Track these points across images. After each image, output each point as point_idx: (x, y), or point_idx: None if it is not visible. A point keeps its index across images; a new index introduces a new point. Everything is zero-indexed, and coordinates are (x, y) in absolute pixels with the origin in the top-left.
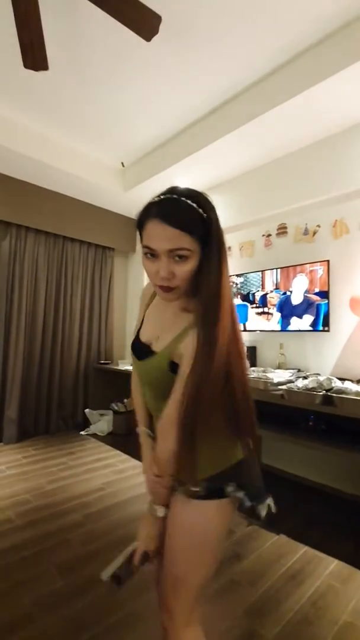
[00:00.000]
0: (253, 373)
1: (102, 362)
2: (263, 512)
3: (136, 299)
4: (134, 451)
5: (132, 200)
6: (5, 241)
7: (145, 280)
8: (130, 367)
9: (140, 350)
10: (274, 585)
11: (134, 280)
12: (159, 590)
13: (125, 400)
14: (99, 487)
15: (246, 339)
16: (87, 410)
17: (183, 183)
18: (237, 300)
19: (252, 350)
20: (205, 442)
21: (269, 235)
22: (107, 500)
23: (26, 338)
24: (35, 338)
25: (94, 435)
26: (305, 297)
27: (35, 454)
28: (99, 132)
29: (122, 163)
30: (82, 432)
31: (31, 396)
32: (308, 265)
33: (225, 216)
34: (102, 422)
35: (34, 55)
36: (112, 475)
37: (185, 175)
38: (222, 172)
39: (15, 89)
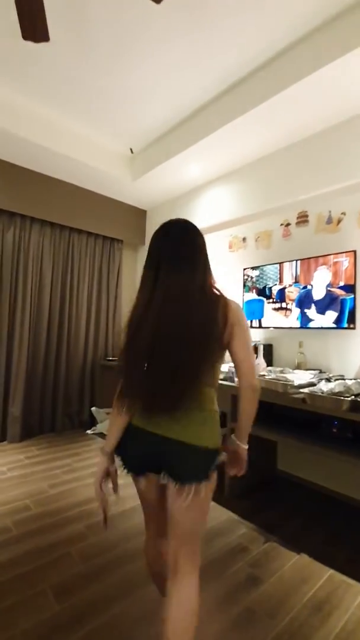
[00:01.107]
0: (270, 373)
1: (110, 358)
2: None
3: None
4: None
5: (141, 190)
6: (9, 232)
7: None
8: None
9: None
10: (296, 618)
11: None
12: (150, 558)
13: None
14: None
15: (262, 336)
16: (93, 409)
17: (194, 170)
18: (252, 295)
19: (268, 348)
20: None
21: (288, 224)
22: (113, 508)
23: (31, 333)
24: (40, 333)
25: (101, 435)
26: (328, 291)
27: (38, 454)
28: (106, 115)
29: (131, 149)
30: (89, 431)
31: (36, 393)
32: (332, 256)
33: (239, 205)
34: (108, 421)
35: (33, 24)
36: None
37: (197, 162)
38: (237, 157)
39: (17, 70)
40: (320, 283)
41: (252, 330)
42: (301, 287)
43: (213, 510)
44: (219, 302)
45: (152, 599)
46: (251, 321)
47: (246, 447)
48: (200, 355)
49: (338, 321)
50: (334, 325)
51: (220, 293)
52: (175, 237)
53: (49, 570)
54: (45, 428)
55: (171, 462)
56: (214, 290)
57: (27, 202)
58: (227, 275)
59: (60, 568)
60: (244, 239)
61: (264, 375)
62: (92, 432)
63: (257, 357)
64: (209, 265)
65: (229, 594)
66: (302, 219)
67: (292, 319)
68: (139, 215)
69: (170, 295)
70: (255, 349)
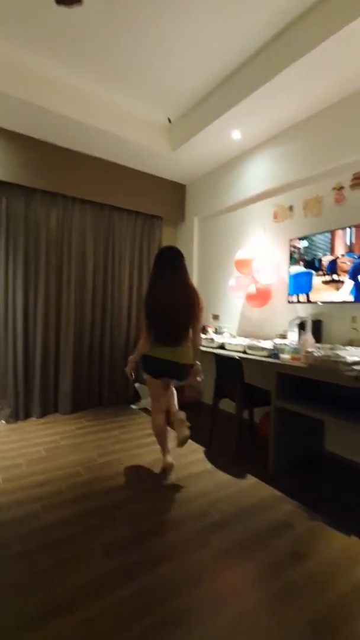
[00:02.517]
0: (318, 351)
1: None
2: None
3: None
4: None
5: (180, 162)
6: (53, 213)
7: (196, 249)
8: None
9: None
10: (344, 596)
11: (184, 250)
12: (156, 425)
13: None
14: (148, 463)
15: (309, 312)
16: (137, 384)
17: (236, 136)
18: (299, 267)
19: (317, 324)
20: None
21: (341, 188)
22: (156, 478)
23: (76, 310)
24: (85, 312)
25: (145, 410)
26: None
27: (87, 425)
28: (143, 84)
29: (169, 119)
30: (133, 406)
31: (83, 369)
32: None
33: (286, 171)
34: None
35: None
36: (160, 453)
37: (239, 126)
38: (282, 117)
39: (52, 44)
40: None
41: (298, 306)
42: (356, 257)
43: (255, 485)
44: (194, 292)
45: (195, 566)
46: (297, 296)
47: (199, 363)
48: (188, 319)
49: None
50: None
51: (194, 286)
52: (170, 255)
53: (99, 530)
54: (93, 402)
55: (174, 371)
56: (191, 284)
57: (69, 183)
58: (272, 247)
59: (108, 530)
60: (291, 208)
61: (312, 352)
62: (136, 406)
63: (305, 333)
64: (187, 271)
65: (272, 567)
66: (358, 181)
67: (345, 292)
68: (178, 190)
69: (172, 286)
70: (303, 325)
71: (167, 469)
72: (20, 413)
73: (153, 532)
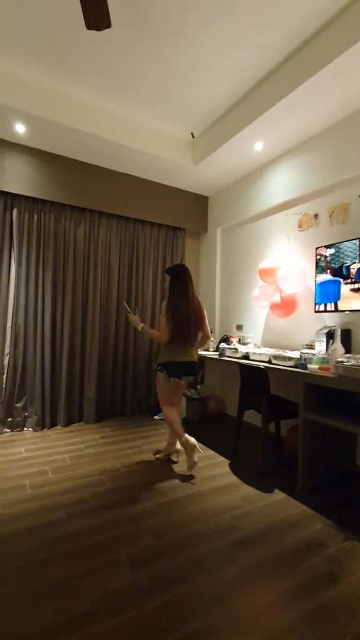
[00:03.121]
0: (349, 360)
1: None
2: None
3: (208, 280)
4: (208, 440)
5: (202, 175)
6: (80, 227)
7: (219, 259)
8: (203, 352)
9: None
10: None
11: (206, 261)
12: (169, 414)
13: (198, 387)
14: (172, 475)
15: (338, 320)
16: None
17: (258, 148)
18: (326, 276)
19: (346, 334)
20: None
21: None
22: (180, 490)
23: (101, 320)
24: (110, 322)
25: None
26: None
27: (111, 435)
28: (166, 100)
29: (192, 134)
30: (156, 417)
31: (107, 378)
32: None
33: (310, 179)
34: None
35: (96, 11)
36: (185, 464)
37: (261, 138)
38: (305, 127)
39: (76, 66)
40: None
41: (325, 315)
42: None
43: (284, 501)
44: (200, 304)
45: (222, 583)
46: (325, 305)
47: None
48: (198, 328)
49: None
50: None
51: (198, 299)
52: (183, 271)
53: (123, 541)
54: (116, 411)
55: (191, 369)
56: (197, 297)
57: (97, 198)
58: (297, 256)
59: (133, 541)
60: (316, 216)
61: (342, 362)
62: (159, 417)
63: (333, 342)
64: (193, 283)
65: (304, 588)
66: None
67: None
68: (201, 202)
69: (188, 299)
70: (331, 334)
71: (191, 450)
72: (46, 421)
73: (178, 545)
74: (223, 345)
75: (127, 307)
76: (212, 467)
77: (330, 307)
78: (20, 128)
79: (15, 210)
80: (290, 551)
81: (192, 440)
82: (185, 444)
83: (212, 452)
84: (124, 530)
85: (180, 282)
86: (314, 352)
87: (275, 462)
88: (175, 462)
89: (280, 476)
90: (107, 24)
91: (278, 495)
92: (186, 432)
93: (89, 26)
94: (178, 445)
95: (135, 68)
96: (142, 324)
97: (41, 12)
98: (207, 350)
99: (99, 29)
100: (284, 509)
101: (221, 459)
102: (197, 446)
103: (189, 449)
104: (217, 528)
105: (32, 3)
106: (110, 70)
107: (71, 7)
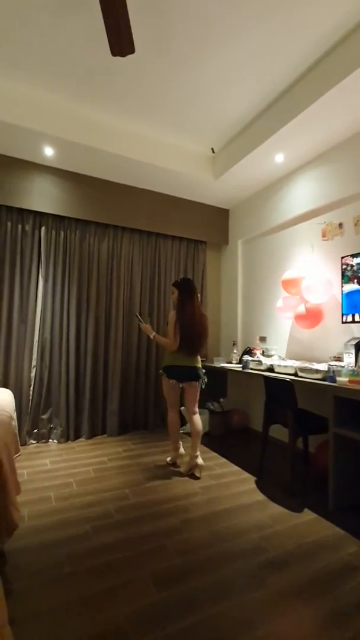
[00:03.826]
0: None
1: None
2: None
3: (230, 292)
4: (232, 455)
5: (223, 188)
6: (104, 242)
7: (240, 271)
8: (225, 364)
9: None
10: None
11: (228, 272)
12: (171, 421)
13: (221, 400)
14: (196, 491)
15: None
16: (182, 408)
17: (279, 159)
18: (353, 285)
19: None
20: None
21: None
22: (205, 507)
23: (124, 334)
24: (132, 335)
25: (190, 434)
26: None
27: (134, 448)
28: (187, 119)
29: (212, 149)
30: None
31: (130, 392)
32: None
33: (335, 188)
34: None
35: (120, 38)
36: (209, 480)
37: (282, 150)
38: (327, 136)
39: (104, 91)
40: None
41: (354, 326)
42: None
43: (314, 522)
44: (204, 317)
45: (251, 606)
46: (353, 315)
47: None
48: (202, 338)
49: None
50: None
51: (202, 312)
52: (190, 285)
53: (148, 558)
54: (138, 424)
55: (193, 374)
56: (202, 310)
57: (119, 214)
58: (321, 266)
59: (157, 558)
60: (340, 225)
61: None
62: (181, 431)
63: None
64: (198, 296)
65: (338, 615)
66: None
67: None
68: (222, 215)
69: (195, 311)
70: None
71: (176, 461)
72: (70, 433)
73: (204, 565)
74: (246, 357)
75: (139, 317)
76: (238, 483)
77: (358, 317)
78: (48, 151)
79: (43, 229)
80: (322, 575)
81: (201, 460)
82: (195, 461)
83: (237, 468)
84: (148, 547)
85: (188, 295)
86: (342, 364)
87: (304, 480)
88: (198, 478)
89: (309, 495)
90: (131, 50)
91: (308, 515)
92: (210, 446)
93: (114, 52)
94: (200, 460)
95: (158, 90)
96: (153, 333)
97: (66, 41)
98: (230, 362)
99: (123, 55)
100: (315, 530)
101: (247, 475)
102: (200, 465)
103: (196, 468)
104: (244, 548)
105: (53, 31)
106: (134, 93)
107: (96, 35)
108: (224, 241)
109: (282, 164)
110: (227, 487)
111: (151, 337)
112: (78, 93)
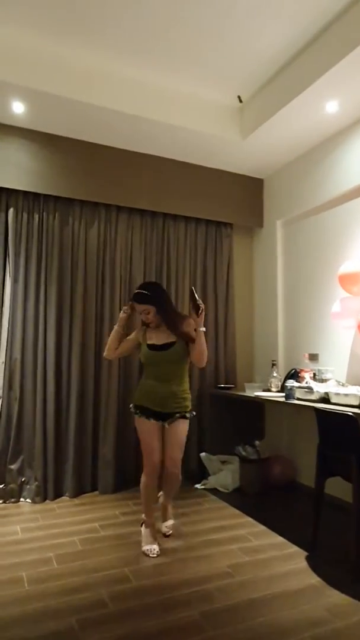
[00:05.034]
0: None
1: (222, 385)
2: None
3: (267, 292)
4: (273, 520)
5: (253, 152)
6: (93, 227)
7: (280, 263)
8: (262, 393)
9: (164, 346)
10: None
11: (263, 265)
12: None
13: (257, 443)
14: (224, 571)
15: None
16: (203, 455)
17: (331, 109)
18: None
19: None
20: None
21: None
22: (236, 593)
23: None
24: (133, 353)
25: (214, 491)
26: None
27: (136, 511)
28: (203, 56)
29: (239, 97)
30: (198, 485)
31: (129, 433)
32: None
33: None
34: (224, 474)
35: None
36: (241, 555)
37: (336, 95)
38: None
39: (87, 23)
40: None
41: None
42: None
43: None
44: None
45: None
46: None
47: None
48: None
49: None
50: None
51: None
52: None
53: None
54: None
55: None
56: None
57: (112, 189)
58: None
59: None
60: None
61: None
62: (201, 486)
63: None
64: None
65: None
66: None
67: None
68: (254, 187)
69: None
70: None
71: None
72: (49, 490)
73: None
74: (291, 383)
75: (195, 291)
76: (283, 560)
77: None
78: (18, 107)
79: (11, 210)
80: None
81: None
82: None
83: (280, 539)
84: None
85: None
86: None
87: None
88: (168, 537)
89: None
90: None
91: None
92: (242, 509)
93: None
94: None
95: (162, 17)
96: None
97: None
98: (269, 390)
99: None
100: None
101: (295, 549)
102: (165, 530)
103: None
104: None
105: None
106: (132, 25)
107: None
108: (257, 223)
109: (336, 116)
110: (266, 565)
111: (200, 329)
112: (56, 27)
